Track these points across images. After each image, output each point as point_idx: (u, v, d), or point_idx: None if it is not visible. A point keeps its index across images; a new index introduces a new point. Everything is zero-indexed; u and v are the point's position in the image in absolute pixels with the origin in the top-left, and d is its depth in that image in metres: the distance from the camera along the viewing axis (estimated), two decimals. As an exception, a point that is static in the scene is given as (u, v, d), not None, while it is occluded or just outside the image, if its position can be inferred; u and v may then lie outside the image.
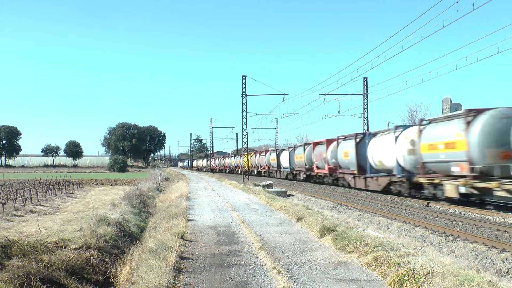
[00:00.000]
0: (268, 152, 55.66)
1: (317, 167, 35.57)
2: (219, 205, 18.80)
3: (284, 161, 46.45)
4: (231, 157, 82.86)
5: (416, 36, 41.98)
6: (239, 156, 69.82)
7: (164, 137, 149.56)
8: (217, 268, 7.78)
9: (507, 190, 14.78)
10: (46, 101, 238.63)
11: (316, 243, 9.87)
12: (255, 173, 60.62)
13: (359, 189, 27.50)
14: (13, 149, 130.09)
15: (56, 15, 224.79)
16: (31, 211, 21.00)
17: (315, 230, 11.00)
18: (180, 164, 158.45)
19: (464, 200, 18.14)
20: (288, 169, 44.88)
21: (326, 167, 32.68)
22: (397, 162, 22.04)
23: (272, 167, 52.34)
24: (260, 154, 61.21)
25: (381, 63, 39.27)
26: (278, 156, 49.62)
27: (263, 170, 57.62)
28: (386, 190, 23.96)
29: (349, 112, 61.77)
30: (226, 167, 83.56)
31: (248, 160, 60.67)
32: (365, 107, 41.07)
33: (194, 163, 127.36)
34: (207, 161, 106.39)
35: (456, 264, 7.01)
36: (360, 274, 7.21)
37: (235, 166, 74.58)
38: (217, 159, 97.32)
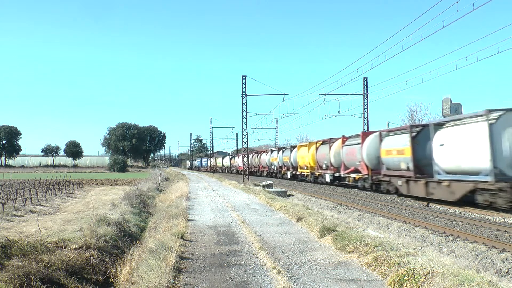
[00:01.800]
0: (377, 136, 24.88)
1: None
2: (219, 205, 18.80)
3: (468, 155, 16.83)
4: (273, 152, 53.19)
5: (416, 36, 41.93)
6: (289, 150, 45.00)
7: (164, 137, 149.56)
8: (217, 268, 7.78)
9: None
10: (46, 101, 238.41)
11: (316, 243, 9.87)
12: (328, 180, 32.91)
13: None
14: (13, 149, 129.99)
15: (56, 15, 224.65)
16: (31, 211, 20.99)
17: (315, 230, 11.00)
18: (189, 163, 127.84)
19: None
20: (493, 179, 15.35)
21: None
22: None
23: (395, 169, 22.24)
24: (345, 141, 29.90)
25: (381, 63, 39.18)
26: (415, 139, 20.41)
27: (356, 175, 27.75)
28: None
29: (349, 112, 61.80)
30: (263, 168, 57.61)
31: (312, 155, 36.29)
32: (365, 107, 41.09)
33: (210, 162, 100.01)
34: (230, 159, 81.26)
35: (456, 264, 7.01)
36: (360, 274, 7.21)
37: (281, 167, 48.47)
38: (248, 156, 68.64)
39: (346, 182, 30.14)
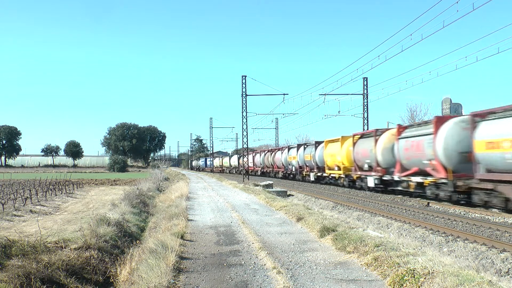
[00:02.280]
0: (463, 121, 18.20)
1: None
2: (219, 205, 18.80)
3: None
4: (291, 149, 45.22)
5: (416, 36, 41.84)
6: (313, 147, 36.89)
7: (164, 137, 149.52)
8: (217, 268, 7.79)
9: None
10: (46, 101, 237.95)
11: (316, 243, 9.87)
12: (371, 185, 25.29)
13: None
14: (13, 149, 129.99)
15: (56, 15, 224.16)
16: (31, 211, 20.99)
17: (315, 230, 11.00)
18: (193, 163, 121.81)
19: None
20: None
21: None
22: None
23: (506, 170, 14.95)
24: (402, 132, 22.68)
25: (381, 63, 39.03)
26: None
27: (422, 179, 20.14)
28: None
29: (349, 112, 61.43)
30: (278, 168, 49.52)
31: (346, 152, 28.83)
32: (365, 107, 41.08)
33: (215, 162, 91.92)
34: (238, 158, 69.71)
35: (456, 264, 7.01)
36: (360, 274, 7.21)
37: (301, 167, 41.00)
38: (260, 154, 59.54)
39: (401, 189, 22.74)
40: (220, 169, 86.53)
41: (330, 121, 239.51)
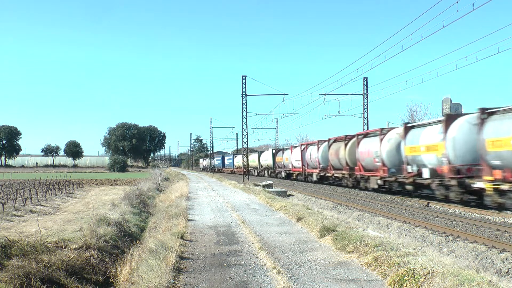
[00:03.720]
0: None
1: None
2: (219, 205, 18.80)
3: None
4: (448, 126, 17.30)
5: (416, 36, 41.78)
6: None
7: (164, 137, 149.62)
8: (217, 268, 7.79)
9: None
10: (46, 101, 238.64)
11: (316, 243, 9.87)
12: None
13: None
14: (13, 149, 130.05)
15: (56, 15, 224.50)
16: (31, 211, 20.98)
17: (315, 230, 11.00)
18: (204, 162, 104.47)
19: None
20: None
21: None
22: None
23: None
24: None
25: (381, 63, 38.88)
26: None
27: None
28: None
29: (349, 112, 61.39)
30: (367, 171, 25.70)
31: None
32: (365, 107, 41.05)
33: (237, 161, 68.19)
34: (273, 155, 51.44)
35: (456, 264, 7.01)
36: (360, 274, 7.21)
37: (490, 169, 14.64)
38: (317, 145, 34.95)
39: None
40: (244, 169, 67.57)
41: (330, 121, 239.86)
